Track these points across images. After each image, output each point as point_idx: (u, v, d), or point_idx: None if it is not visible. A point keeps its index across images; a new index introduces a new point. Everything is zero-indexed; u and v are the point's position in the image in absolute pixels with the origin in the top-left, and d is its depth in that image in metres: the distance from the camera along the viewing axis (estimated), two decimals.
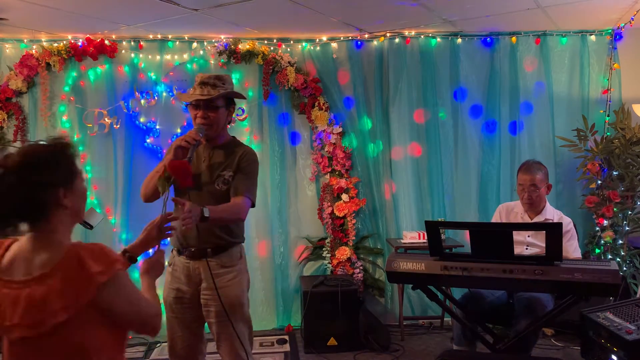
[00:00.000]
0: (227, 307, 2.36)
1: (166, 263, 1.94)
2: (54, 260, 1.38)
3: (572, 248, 3.20)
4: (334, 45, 4.57)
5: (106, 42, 4.33)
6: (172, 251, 2.56)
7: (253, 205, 2.48)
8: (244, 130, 4.53)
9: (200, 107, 2.42)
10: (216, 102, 2.43)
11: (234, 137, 2.63)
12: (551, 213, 3.34)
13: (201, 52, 4.46)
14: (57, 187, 1.43)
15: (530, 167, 3.30)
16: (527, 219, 3.34)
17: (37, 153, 1.44)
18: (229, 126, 2.62)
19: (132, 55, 4.44)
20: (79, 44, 4.31)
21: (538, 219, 3.31)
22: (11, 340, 1.41)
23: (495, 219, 3.51)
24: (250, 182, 2.46)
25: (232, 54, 4.44)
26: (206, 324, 2.54)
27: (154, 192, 2.34)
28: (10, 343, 1.43)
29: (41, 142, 1.49)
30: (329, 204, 4.55)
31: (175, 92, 4.41)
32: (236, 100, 2.63)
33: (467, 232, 3.06)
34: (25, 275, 1.39)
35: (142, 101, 4.42)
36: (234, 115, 4.40)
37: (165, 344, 4.31)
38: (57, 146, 1.48)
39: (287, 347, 4.13)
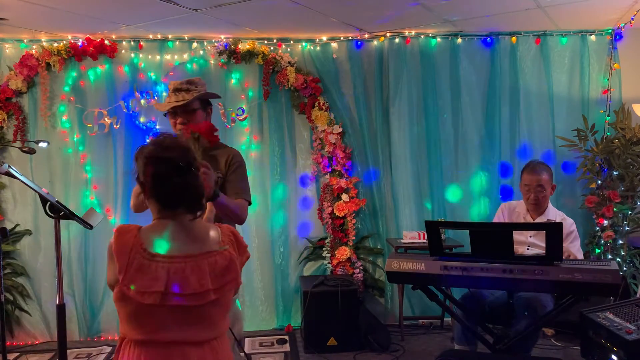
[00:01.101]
0: None
1: None
2: (219, 237, 1.65)
3: (575, 249, 3.20)
4: (334, 45, 4.57)
5: (106, 42, 4.33)
6: None
7: (250, 204, 2.54)
8: (244, 130, 4.53)
9: (178, 114, 2.46)
10: (192, 106, 2.46)
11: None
12: (554, 214, 3.34)
13: (201, 52, 4.46)
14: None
15: (536, 168, 3.29)
16: (529, 219, 3.33)
17: (189, 147, 1.66)
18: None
19: (132, 55, 4.43)
20: (79, 44, 4.31)
21: (541, 219, 3.30)
22: (196, 305, 1.55)
23: (497, 217, 3.51)
24: (244, 185, 2.51)
25: (232, 54, 4.44)
26: None
27: (142, 203, 2.36)
28: (176, 310, 1.54)
29: (174, 137, 1.68)
30: (329, 204, 4.55)
31: (152, 102, 4.40)
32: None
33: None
34: (192, 251, 1.58)
35: (142, 101, 4.42)
36: (233, 115, 4.45)
37: None
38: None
39: (287, 347, 4.13)
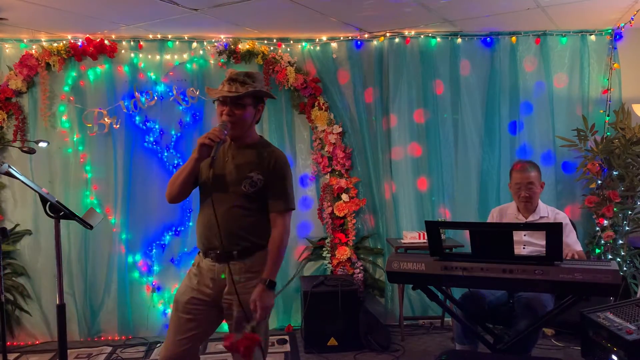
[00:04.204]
0: (248, 313, 2.34)
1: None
2: None
3: (572, 240, 3.22)
4: (333, 45, 4.57)
5: (106, 42, 4.33)
6: (198, 253, 2.49)
7: (294, 208, 2.44)
8: None
9: (227, 104, 2.36)
10: (243, 100, 2.36)
11: (261, 136, 2.55)
12: (545, 210, 3.36)
13: (201, 52, 4.46)
14: None
15: (525, 166, 3.34)
16: (521, 219, 3.35)
17: None
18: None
19: (132, 55, 4.43)
20: (79, 44, 4.31)
21: (533, 217, 3.33)
22: None
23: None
24: (287, 192, 2.41)
25: (232, 54, 4.44)
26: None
27: (180, 192, 2.36)
28: None
29: None
30: (329, 204, 4.55)
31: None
32: None
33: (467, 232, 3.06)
34: None
35: (142, 101, 4.43)
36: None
37: None
38: None
39: (287, 347, 4.13)
